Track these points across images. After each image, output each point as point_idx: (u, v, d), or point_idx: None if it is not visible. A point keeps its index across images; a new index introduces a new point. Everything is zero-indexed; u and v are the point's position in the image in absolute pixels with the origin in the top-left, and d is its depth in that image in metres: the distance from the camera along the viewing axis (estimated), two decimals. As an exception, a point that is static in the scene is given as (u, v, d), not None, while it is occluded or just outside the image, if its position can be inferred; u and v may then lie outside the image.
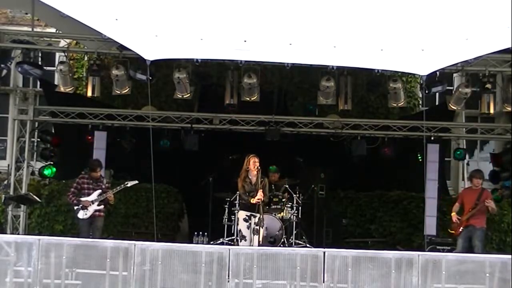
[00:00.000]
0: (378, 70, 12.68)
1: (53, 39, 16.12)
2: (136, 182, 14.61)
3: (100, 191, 14.08)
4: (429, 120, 15.87)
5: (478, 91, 14.95)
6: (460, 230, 14.01)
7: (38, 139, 16.95)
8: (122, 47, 13.87)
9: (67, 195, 14.50)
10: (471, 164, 18.38)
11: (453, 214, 14.17)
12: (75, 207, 14.07)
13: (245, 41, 12.01)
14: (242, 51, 12.08)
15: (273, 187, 14.82)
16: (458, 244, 14.06)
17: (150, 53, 11.94)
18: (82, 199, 14.01)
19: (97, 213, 14.05)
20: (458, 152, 17.01)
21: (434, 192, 16.00)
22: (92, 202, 13.99)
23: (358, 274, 10.66)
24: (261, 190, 13.79)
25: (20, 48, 14.94)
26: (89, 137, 16.30)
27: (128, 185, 14.44)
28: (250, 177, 14.03)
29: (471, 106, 16.27)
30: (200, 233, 14.75)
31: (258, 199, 13.75)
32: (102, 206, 14.10)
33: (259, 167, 13.89)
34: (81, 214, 13.99)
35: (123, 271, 10.74)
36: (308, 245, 14.51)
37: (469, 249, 13.71)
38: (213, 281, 10.70)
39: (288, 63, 12.41)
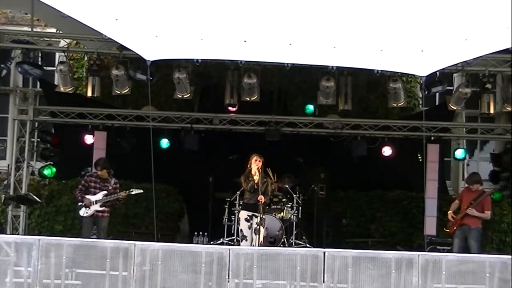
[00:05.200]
0: (377, 70, 12.70)
1: (53, 39, 16.15)
2: (141, 191, 14.53)
3: (105, 192, 14.04)
4: (429, 120, 15.88)
5: (478, 91, 14.96)
6: (455, 229, 14.03)
7: (38, 139, 16.95)
8: (122, 47, 13.87)
9: (75, 192, 14.46)
10: (472, 164, 18.41)
11: (449, 212, 14.18)
12: (79, 204, 14.03)
13: (245, 41, 12.00)
14: (242, 51, 12.08)
15: (273, 187, 14.83)
16: (454, 244, 14.04)
17: (150, 53, 11.94)
18: (86, 196, 13.98)
19: (100, 213, 13.96)
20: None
21: (434, 192, 16.01)
22: (96, 202, 13.95)
23: (358, 274, 10.66)
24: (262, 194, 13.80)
25: (20, 48, 14.95)
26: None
27: (133, 193, 14.40)
28: (251, 176, 14.03)
29: (471, 106, 16.29)
30: (200, 233, 14.77)
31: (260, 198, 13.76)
32: (105, 208, 13.99)
33: (259, 167, 13.89)
34: (82, 212, 13.94)
35: (123, 271, 10.73)
36: (308, 245, 14.54)
37: (466, 248, 13.71)
38: (213, 281, 10.69)
39: (288, 63, 12.42)
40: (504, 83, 15.43)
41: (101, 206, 13.93)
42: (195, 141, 16.30)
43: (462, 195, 14.47)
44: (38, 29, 16.26)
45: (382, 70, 12.82)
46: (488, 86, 14.78)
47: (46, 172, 16.57)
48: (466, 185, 14.62)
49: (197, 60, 12.75)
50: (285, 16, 12.27)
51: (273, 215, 14.44)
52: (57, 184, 17.04)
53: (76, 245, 10.98)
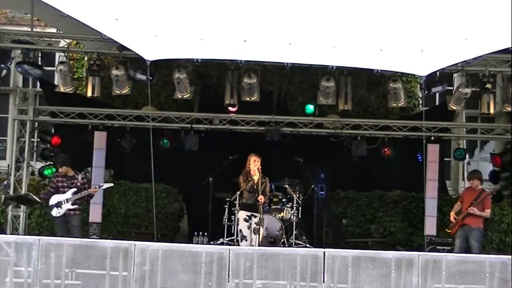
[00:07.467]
0: (377, 70, 12.71)
1: (53, 39, 16.14)
2: (112, 185, 14.66)
3: (75, 189, 13.90)
4: (429, 120, 15.87)
5: (478, 91, 14.96)
6: (456, 229, 14.04)
7: (38, 139, 16.95)
8: (122, 47, 13.86)
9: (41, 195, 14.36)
10: (472, 164, 18.40)
11: (452, 213, 14.20)
12: (49, 204, 13.94)
13: (245, 41, 12.02)
14: (242, 51, 12.09)
15: (273, 187, 14.84)
16: (455, 244, 14.07)
17: (150, 53, 11.96)
18: (53, 197, 13.82)
19: (72, 211, 13.83)
20: (458, 153, 17.01)
21: (434, 192, 16.00)
22: (66, 200, 13.84)
23: (358, 274, 10.67)
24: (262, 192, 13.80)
25: (20, 48, 14.95)
26: (89, 137, 16.32)
27: (103, 187, 14.39)
28: (251, 176, 14.03)
29: (471, 106, 16.28)
30: (200, 233, 14.76)
31: (260, 198, 13.76)
32: (76, 206, 13.86)
33: (258, 168, 13.89)
34: (54, 212, 13.81)
35: (123, 271, 10.74)
36: (308, 245, 14.52)
37: (467, 249, 13.72)
38: (213, 281, 10.70)
39: (288, 63, 12.43)
40: (504, 83, 15.44)
41: (72, 204, 13.82)
42: (195, 141, 16.29)
43: (463, 195, 14.49)
44: (38, 29, 16.26)
45: (382, 70, 12.85)
46: (488, 86, 14.77)
47: (46, 172, 16.54)
48: (467, 184, 14.64)
49: (197, 60, 12.76)
50: (285, 16, 12.28)
51: (273, 215, 14.43)
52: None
53: (76, 245, 10.99)
